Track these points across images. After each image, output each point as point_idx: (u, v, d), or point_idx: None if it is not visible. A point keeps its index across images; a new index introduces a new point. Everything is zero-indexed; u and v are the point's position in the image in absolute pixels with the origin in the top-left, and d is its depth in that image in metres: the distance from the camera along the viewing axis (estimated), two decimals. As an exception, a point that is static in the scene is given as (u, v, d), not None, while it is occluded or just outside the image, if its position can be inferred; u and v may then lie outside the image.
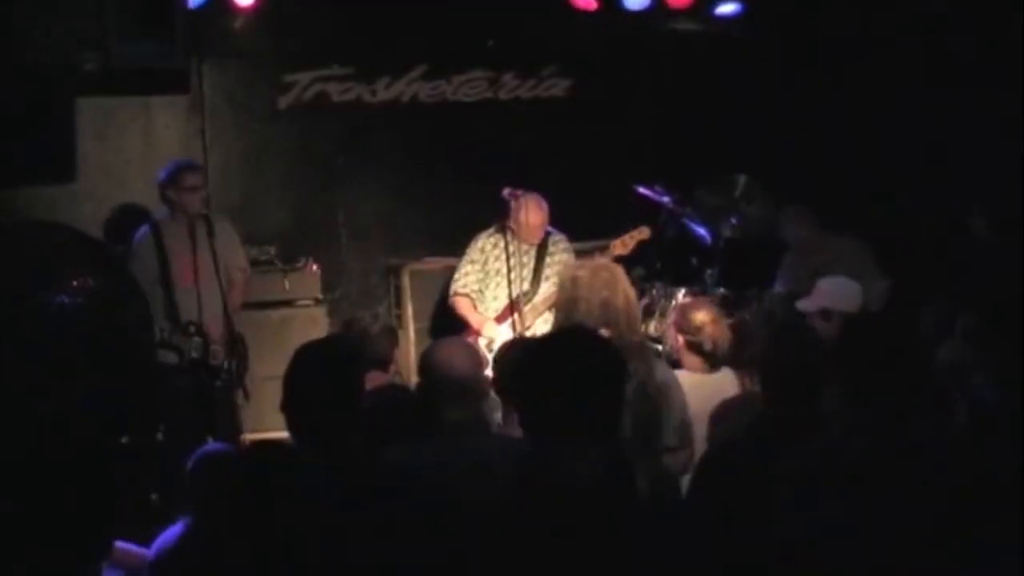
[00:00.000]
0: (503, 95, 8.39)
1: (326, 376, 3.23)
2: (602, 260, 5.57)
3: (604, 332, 4.32)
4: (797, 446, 3.37)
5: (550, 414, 2.72)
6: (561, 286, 4.82)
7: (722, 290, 7.21)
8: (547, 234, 6.78)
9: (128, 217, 7.13)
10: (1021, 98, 7.10)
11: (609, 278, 4.66)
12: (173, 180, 6.45)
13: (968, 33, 7.50)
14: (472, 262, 6.84)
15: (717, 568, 2.95)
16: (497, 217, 6.77)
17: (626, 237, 6.92)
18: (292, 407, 3.26)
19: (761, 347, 4.39)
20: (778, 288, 7.50)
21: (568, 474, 2.65)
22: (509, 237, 6.69)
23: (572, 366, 2.77)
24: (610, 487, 2.70)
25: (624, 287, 4.67)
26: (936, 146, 7.71)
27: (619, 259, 6.91)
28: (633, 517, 2.73)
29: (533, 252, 6.76)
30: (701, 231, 7.40)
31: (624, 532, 2.66)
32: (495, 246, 6.81)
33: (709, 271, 7.22)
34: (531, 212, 6.58)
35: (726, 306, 7.16)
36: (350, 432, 3.16)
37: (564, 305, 4.69)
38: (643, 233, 6.96)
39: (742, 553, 3.09)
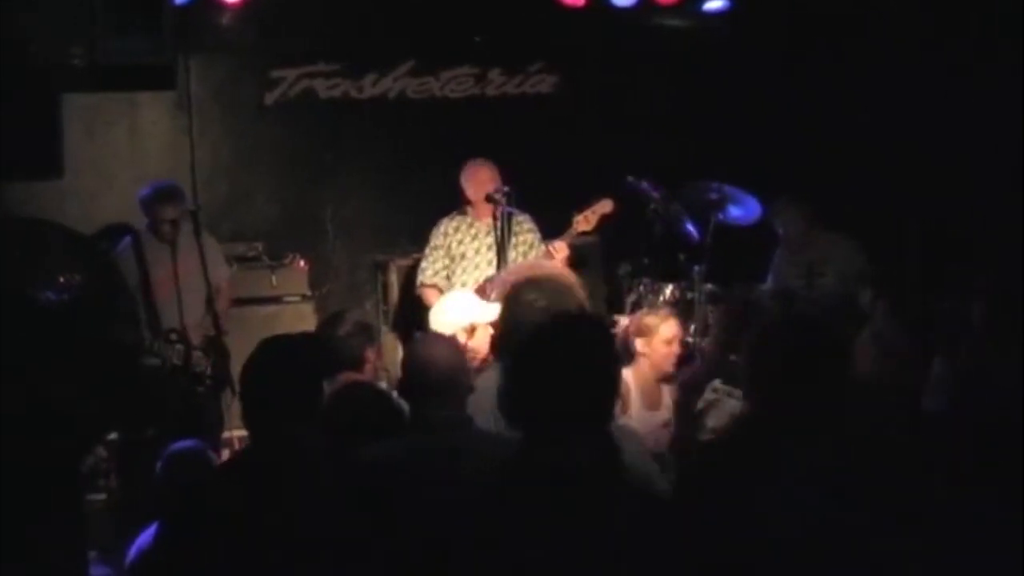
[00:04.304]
0: (490, 91, 8.39)
1: (277, 373, 3.23)
2: (545, 269, 5.04)
3: None
4: (783, 445, 3.36)
5: (537, 404, 2.62)
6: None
7: (709, 286, 7.19)
8: (510, 214, 6.61)
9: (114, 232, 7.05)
10: (1019, 94, 7.10)
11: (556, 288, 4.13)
12: (150, 207, 6.38)
13: (963, 30, 7.50)
14: (436, 248, 6.87)
15: (704, 561, 2.94)
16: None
17: (588, 212, 6.66)
18: (244, 401, 3.28)
19: (745, 346, 4.34)
20: (769, 284, 7.50)
21: (557, 465, 2.59)
22: (470, 220, 6.79)
23: (559, 352, 2.67)
24: (600, 477, 2.65)
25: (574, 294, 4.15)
26: (929, 143, 7.71)
27: (585, 235, 6.83)
28: (623, 508, 2.69)
29: (493, 235, 6.67)
30: (689, 227, 7.37)
31: (614, 522, 2.63)
32: (456, 229, 6.85)
33: (696, 267, 7.17)
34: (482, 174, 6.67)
35: (713, 302, 7.19)
36: (303, 429, 3.16)
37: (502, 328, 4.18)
38: (605, 206, 6.68)
39: (729, 547, 3.08)
